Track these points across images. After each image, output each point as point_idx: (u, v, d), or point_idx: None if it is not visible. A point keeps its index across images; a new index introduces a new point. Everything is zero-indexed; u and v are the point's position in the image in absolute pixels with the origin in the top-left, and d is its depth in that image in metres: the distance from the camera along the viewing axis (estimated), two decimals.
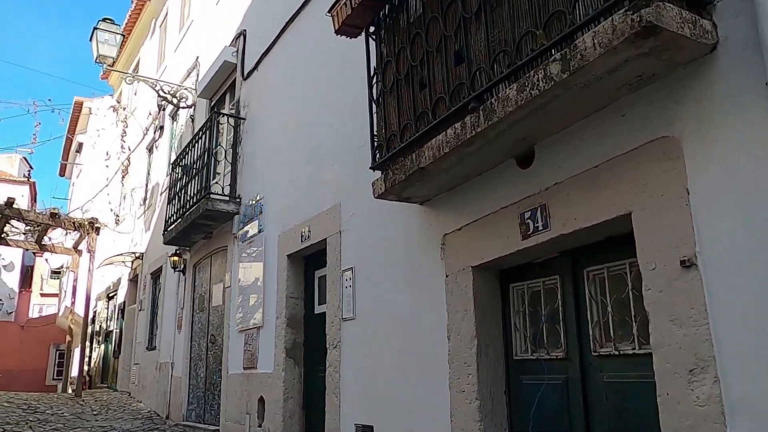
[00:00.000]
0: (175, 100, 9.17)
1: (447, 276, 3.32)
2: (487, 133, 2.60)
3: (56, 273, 34.38)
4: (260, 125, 6.56)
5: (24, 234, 12.66)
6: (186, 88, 9.12)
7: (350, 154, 4.55)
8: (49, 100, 13.49)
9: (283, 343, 5.20)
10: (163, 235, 8.11)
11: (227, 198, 6.72)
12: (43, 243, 12.97)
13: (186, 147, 7.77)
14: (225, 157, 6.96)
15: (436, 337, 3.36)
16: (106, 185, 14.85)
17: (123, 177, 12.73)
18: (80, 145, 18.23)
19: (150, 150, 12.07)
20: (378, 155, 3.46)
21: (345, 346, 4.28)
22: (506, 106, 2.43)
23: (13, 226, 11.96)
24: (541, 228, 2.69)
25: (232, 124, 7.05)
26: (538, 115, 2.46)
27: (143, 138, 12.45)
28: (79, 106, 17.13)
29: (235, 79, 7.62)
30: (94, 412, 8.50)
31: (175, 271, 8.34)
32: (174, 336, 8.30)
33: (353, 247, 4.35)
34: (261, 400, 5.45)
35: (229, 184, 6.87)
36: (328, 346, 4.46)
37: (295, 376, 5.16)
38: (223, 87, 8.06)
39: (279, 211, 5.71)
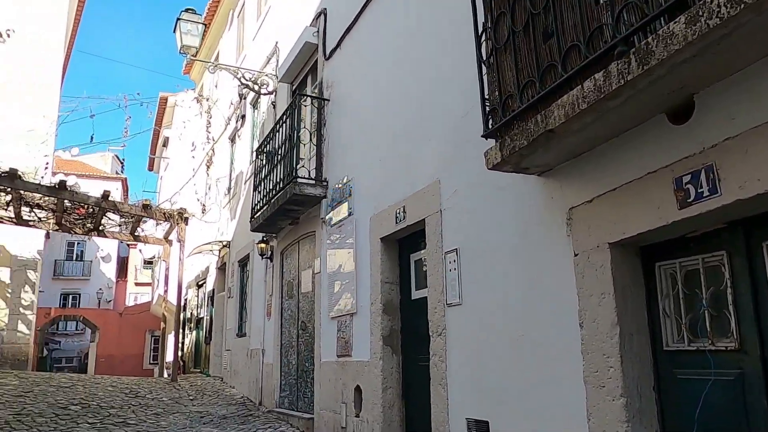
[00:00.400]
0: (256, 87, 9.14)
1: (576, 255, 2.91)
2: (639, 82, 2.16)
3: (148, 263, 36.35)
4: (345, 105, 6.32)
5: (119, 226, 13.24)
6: (266, 75, 9.07)
7: (449, 126, 4.20)
8: (138, 93, 13.88)
9: (379, 330, 4.95)
10: (249, 222, 8.11)
11: (313, 182, 6.55)
12: (136, 234, 13.50)
13: (269, 133, 7.69)
14: (311, 139, 6.78)
15: (563, 324, 2.96)
16: (192, 176, 15.29)
17: (208, 167, 12.99)
18: (166, 139, 18.93)
19: (232, 140, 12.23)
20: (491, 121, 3.08)
21: (451, 333, 3.96)
22: (670, 45, 1.99)
23: (109, 219, 12.51)
24: (707, 194, 2.23)
25: (316, 105, 6.86)
26: (711, 54, 2.00)
27: (225, 128, 12.64)
28: (164, 102, 17.74)
29: (316, 61, 7.44)
30: (191, 397, 8.69)
31: (262, 258, 8.34)
32: (264, 323, 8.32)
33: (456, 226, 4.01)
34: (357, 389, 5.25)
35: (315, 168, 6.69)
36: (431, 333, 4.16)
37: (393, 364, 4.91)
38: (304, 70, 7.90)
39: (369, 192, 5.46)
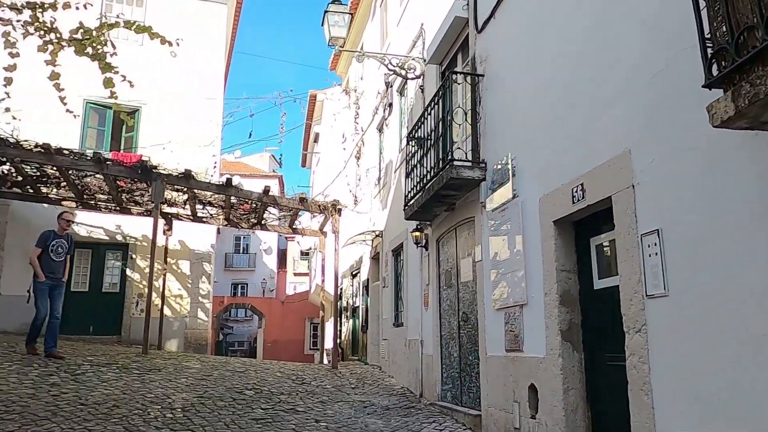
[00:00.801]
0: (402, 72, 8.94)
1: None
2: None
3: (305, 255, 38.63)
4: (502, 79, 5.82)
5: (279, 220, 13.97)
6: (413, 58, 8.81)
7: (639, 85, 3.54)
8: (291, 90, 14.61)
9: (556, 324, 4.43)
10: (403, 210, 7.94)
11: (470, 164, 6.14)
12: (294, 227, 14.16)
13: (420, 118, 7.42)
14: (465, 119, 6.37)
15: None
16: (343, 168, 15.68)
17: (357, 159, 13.16)
18: (317, 135, 19.70)
19: (380, 130, 12.24)
20: (717, 65, 2.44)
21: (653, 329, 3.33)
22: None
23: (270, 213, 13.24)
24: None
25: (470, 82, 6.43)
26: None
27: (372, 119, 12.70)
28: (313, 98, 18.45)
29: (467, 36, 7.01)
30: (352, 386, 8.79)
31: (417, 246, 8.13)
32: (421, 313, 8.12)
33: (656, 203, 3.36)
34: (532, 388, 4.77)
35: (471, 149, 6.28)
36: (626, 329, 3.56)
37: (575, 363, 4.36)
38: (453, 48, 7.52)
39: (537, 171, 4.93)
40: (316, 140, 20.19)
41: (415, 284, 8.58)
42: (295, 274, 39.20)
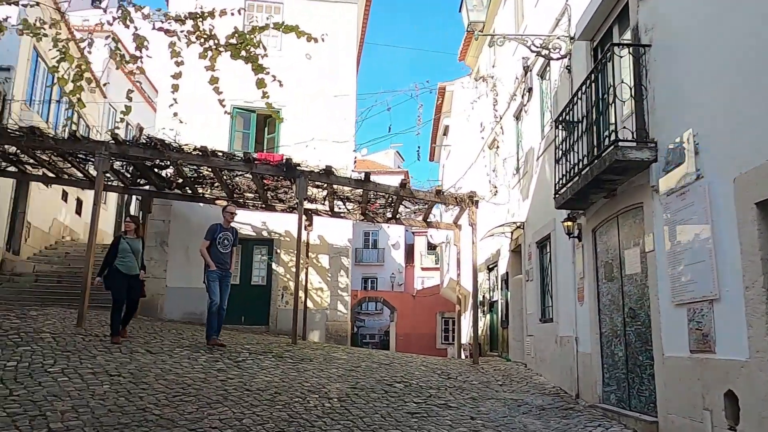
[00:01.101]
0: (545, 53, 8.44)
1: None
2: None
3: (431, 249, 38.71)
4: (674, 48, 5.18)
5: (413, 213, 13.97)
6: (558, 37, 8.27)
7: None
8: (427, 81, 14.39)
9: (763, 322, 3.81)
10: (553, 199, 7.46)
11: (636, 144, 5.57)
12: (428, 220, 14.08)
13: (571, 99, 6.92)
14: (632, 95, 5.78)
15: None
16: (475, 160, 15.32)
17: (491, 149, 12.73)
18: (446, 127, 19.48)
19: (517, 117, 11.73)
20: None
21: None
22: None
23: (405, 207, 13.26)
24: None
25: (633, 55, 5.82)
26: None
27: (508, 106, 12.22)
28: (442, 91, 18.26)
29: (624, 6, 6.39)
30: (499, 382, 8.48)
31: (569, 237, 7.61)
32: (575, 308, 7.60)
33: None
34: (730, 396, 4.17)
35: (636, 128, 5.70)
36: None
37: None
38: (608, 20, 6.90)
39: (727, 147, 4.30)
40: (445, 133, 19.98)
41: (566, 277, 8.06)
42: (423, 269, 39.43)
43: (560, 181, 7.19)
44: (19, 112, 12.67)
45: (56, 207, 16.54)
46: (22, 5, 6.22)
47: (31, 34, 6.14)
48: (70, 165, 11.46)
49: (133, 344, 7.75)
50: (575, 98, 6.73)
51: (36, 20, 6.92)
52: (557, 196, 7.27)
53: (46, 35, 6.21)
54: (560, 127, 7.34)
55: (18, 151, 10.95)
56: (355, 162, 13.36)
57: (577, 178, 6.55)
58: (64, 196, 16.76)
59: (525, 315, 10.42)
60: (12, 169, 12.07)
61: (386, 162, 43.11)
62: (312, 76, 13.88)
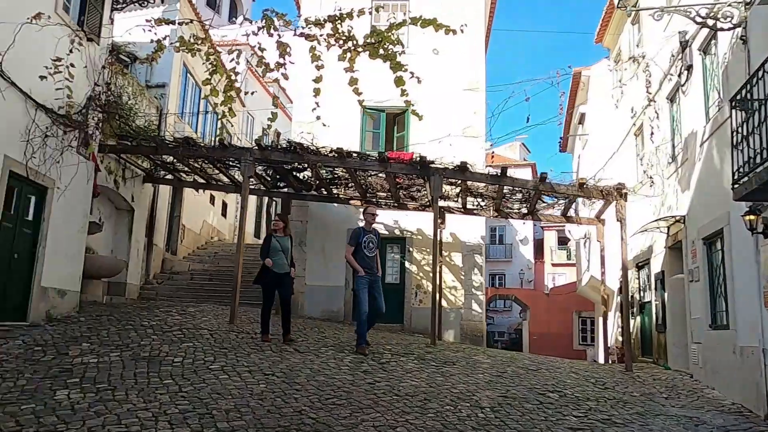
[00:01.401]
0: (712, 23, 7.43)
1: None
2: None
3: (562, 244, 36.87)
4: None
5: (551, 208, 13.21)
6: (729, 3, 7.23)
7: None
8: (569, 66, 13.38)
9: None
10: (732, 190, 6.50)
11: None
12: (568, 215, 13.24)
13: (752, 75, 5.97)
14: None
15: None
16: (617, 149, 14.14)
17: (651, 135, 11.57)
18: (582, 116, 18.26)
19: (671, 99, 10.57)
20: None
21: None
22: None
23: (542, 201, 12.56)
24: None
25: None
26: None
27: (660, 87, 11.05)
28: (577, 77, 17.12)
29: None
30: (663, 395, 7.63)
31: (752, 233, 6.61)
32: (760, 314, 6.58)
33: None
34: None
35: None
36: None
37: None
38: None
39: None
40: (581, 122, 18.74)
41: (746, 278, 7.03)
42: (553, 265, 37.67)
43: (740, 170, 6.25)
44: (173, 124, 13.76)
45: (205, 210, 17.88)
46: (178, 23, 6.61)
47: (187, 50, 6.50)
48: (218, 171, 12.21)
49: (282, 343, 7.98)
50: (758, 73, 5.79)
51: (191, 37, 7.32)
52: (737, 186, 6.32)
53: (199, 50, 6.53)
54: (737, 107, 6.38)
55: (174, 160, 11.90)
56: (492, 156, 12.85)
57: (766, 164, 5.62)
58: (212, 199, 18.07)
59: (689, 319, 9.34)
60: (169, 177, 13.17)
61: (512, 155, 41.78)
62: (440, 71, 13.56)
